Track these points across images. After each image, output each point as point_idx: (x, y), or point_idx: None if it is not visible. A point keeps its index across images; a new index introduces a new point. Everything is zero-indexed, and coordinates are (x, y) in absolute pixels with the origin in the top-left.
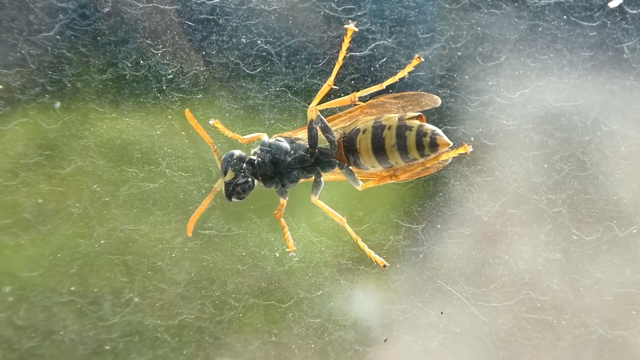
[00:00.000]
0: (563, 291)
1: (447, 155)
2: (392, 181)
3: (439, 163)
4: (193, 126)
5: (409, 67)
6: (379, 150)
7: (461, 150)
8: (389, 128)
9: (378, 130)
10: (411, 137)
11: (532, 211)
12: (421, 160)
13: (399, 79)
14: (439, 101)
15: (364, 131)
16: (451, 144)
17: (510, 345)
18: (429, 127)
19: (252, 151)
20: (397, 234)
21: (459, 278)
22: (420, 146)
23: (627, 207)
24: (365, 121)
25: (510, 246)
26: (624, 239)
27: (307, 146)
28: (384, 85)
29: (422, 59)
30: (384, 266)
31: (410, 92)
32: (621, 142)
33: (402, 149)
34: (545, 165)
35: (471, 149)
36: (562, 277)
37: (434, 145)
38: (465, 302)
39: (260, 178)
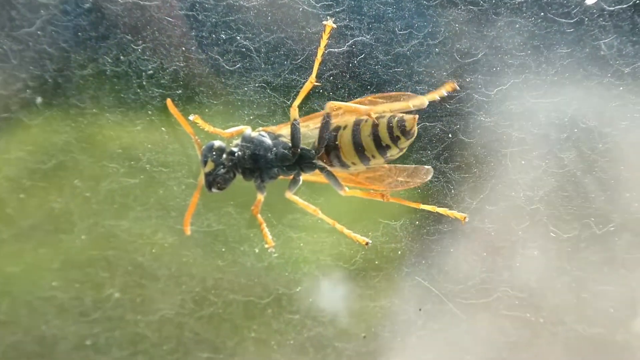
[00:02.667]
0: (541, 288)
1: (444, 212)
2: (380, 199)
3: (415, 180)
4: (174, 116)
5: (441, 91)
6: (357, 143)
7: (457, 215)
8: (366, 121)
9: (356, 125)
10: (382, 123)
11: (510, 208)
12: (397, 151)
13: (427, 100)
14: (426, 102)
15: (345, 127)
16: (416, 117)
17: (488, 342)
18: (400, 114)
19: (234, 142)
20: (375, 231)
21: (437, 275)
22: (390, 130)
23: (605, 205)
24: (346, 120)
25: (488, 243)
26: (602, 236)
27: (290, 144)
28: (410, 105)
29: (458, 87)
30: (366, 244)
31: (397, 93)
32: (598, 139)
33: (376, 137)
34: (523, 162)
35: (467, 220)
36: (539, 275)
37: (403, 127)
38: (443, 299)
39: (239, 170)
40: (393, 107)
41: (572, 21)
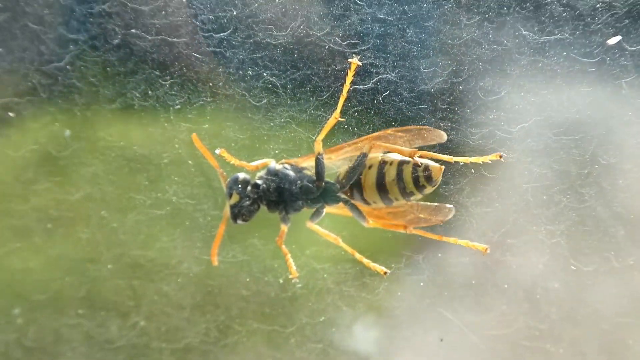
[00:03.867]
0: (561, 320)
1: (466, 244)
2: (402, 231)
3: (437, 217)
4: (200, 150)
5: (486, 158)
6: (380, 185)
7: (478, 247)
8: (391, 164)
9: (382, 166)
10: (407, 170)
11: (531, 242)
12: (419, 196)
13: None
14: (445, 136)
15: (370, 167)
16: (442, 167)
17: None
18: (423, 160)
19: (258, 175)
20: (397, 263)
21: (458, 306)
22: (415, 179)
23: (624, 239)
24: (372, 157)
25: (510, 276)
26: (621, 269)
27: (314, 177)
28: (453, 159)
29: (503, 159)
30: (385, 273)
31: (417, 127)
32: (619, 175)
33: (400, 182)
34: (544, 197)
35: (488, 251)
36: (560, 307)
37: (428, 176)
38: (464, 329)
39: (264, 202)
40: (430, 155)
41: (594, 61)
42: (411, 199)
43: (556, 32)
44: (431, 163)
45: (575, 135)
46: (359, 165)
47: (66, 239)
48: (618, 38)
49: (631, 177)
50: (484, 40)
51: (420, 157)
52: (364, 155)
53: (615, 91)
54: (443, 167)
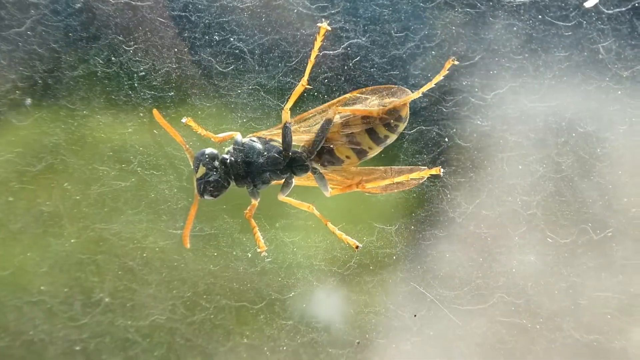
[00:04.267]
0: (537, 294)
1: (418, 175)
2: (358, 189)
3: (411, 181)
4: (162, 126)
5: (444, 71)
6: (351, 139)
7: (433, 172)
8: (354, 116)
9: (346, 121)
10: (374, 122)
11: (507, 213)
12: (394, 136)
13: (434, 84)
14: (410, 94)
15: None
16: (407, 101)
17: (484, 349)
18: (386, 102)
19: (226, 150)
20: (370, 235)
21: (432, 280)
22: (387, 124)
23: (603, 210)
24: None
25: (485, 248)
26: (599, 242)
27: (281, 148)
28: (419, 93)
29: (456, 62)
30: (357, 247)
31: (384, 86)
32: (597, 144)
33: (371, 132)
34: (520, 167)
35: (443, 171)
36: (536, 280)
37: (398, 116)
38: (438, 305)
39: (232, 177)
40: (393, 105)
41: (570, 24)
42: (387, 142)
43: None
44: (395, 101)
45: (552, 102)
46: (323, 131)
47: (27, 212)
48: (595, 1)
49: (609, 146)
50: (457, 3)
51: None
52: (329, 121)
53: (592, 56)
54: (407, 101)
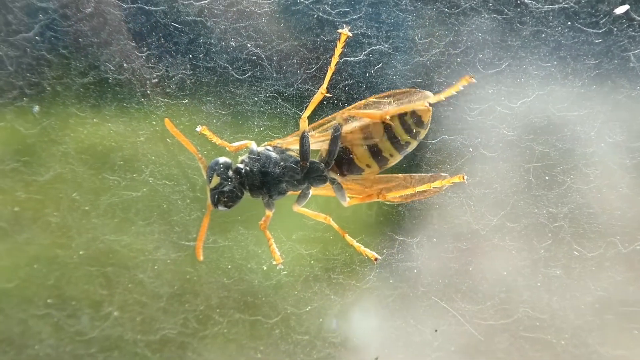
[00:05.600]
0: (563, 309)
1: (440, 184)
2: (379, 199)
3: (432, 189)
4: (175, 136)
5: (457, 86)
6: (371, 147)
7: (455, 179)
8: (374, 123)
9: (366, 128)
10: (395, 123)
11: (532, 225)
12: (415, 143)
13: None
14: (431, 96)
15: (352, 132)
16: (430, 106)
17: None
18: (407, 105)
19: (240, 159)
20: (390, 248)
21: (454, 295)
22: (407, 128)
23: (631, 222)
24: (353, 125)
25: (509, 262)
26: (627, 255)
27: (298, 158)
28: (425, 104)
29: (474, 80)
30: (376, 259)
31: (400, 90)
32: (626, 154)
33: (392, 137)
34: (547, 178)
35: (467, 179)
36: (562, 295)
37: (418, 119)
38: (460, 319)
39: (247, 187)
40: (403, 108)
41: (600, 31)
42: (407, 149)
43: (560, 1)
44: (416, 106)
45: (580, 111)
46: (335, 138)
47: (34, 223)
48: (626, 7)
49: (639, 156)
50: (483, 9)
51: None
52: (338, 127)
53: (622, 64)
54: (431, 107)
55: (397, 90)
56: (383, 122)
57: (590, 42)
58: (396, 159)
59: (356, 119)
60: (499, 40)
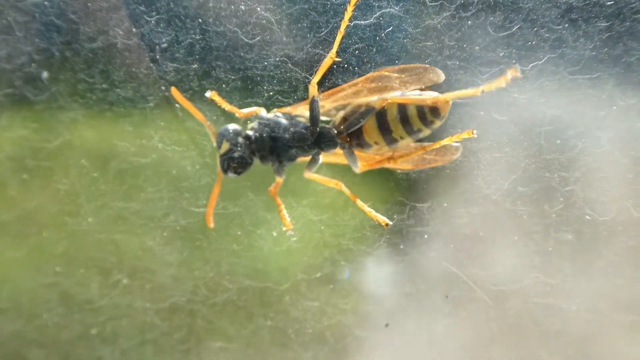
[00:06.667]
0: (574, 274)
1: (450, 140)
2: (389, 165)
3: (444, 157)
4: (182, 104)
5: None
6: (382, 124)
7: (465, 135)
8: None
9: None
10: (411, 107)
11: (544, 190)
12: (428, 132)
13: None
14: (443, 76)
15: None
16: (450, 102)
17: (517, 330)
18: (428, 93)
19: (249, 125)
20: (401, 213)
21: (465, 260)
22: (421, 114)
23: None
24: (367, 101)
25: (520, 226)
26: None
27: (308, 123)
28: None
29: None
30: (387, 225)
31: (414, 65)
32: (638, 117)
33: (405, 121)
34: (558, 141)
35: (476, 134)
36: (573, 260)
37: (434, 109)
38: (471, 285)
39: (257, 154)
40: (457, 94)
41: None
42: (420, 136)
43: None
44: (436, 95)
45: (592, 74)
46: (362, 116)
47: (43, 191)
48: None
49: None
50: None
51: None
52: (370, 109)
53: (635, 26)
54: (450, 102)
55: (407, 65)
56: (398, 104)
57: (601, 4)
58: (406, 141)
59: (371, 92)
60: (510, 2)
